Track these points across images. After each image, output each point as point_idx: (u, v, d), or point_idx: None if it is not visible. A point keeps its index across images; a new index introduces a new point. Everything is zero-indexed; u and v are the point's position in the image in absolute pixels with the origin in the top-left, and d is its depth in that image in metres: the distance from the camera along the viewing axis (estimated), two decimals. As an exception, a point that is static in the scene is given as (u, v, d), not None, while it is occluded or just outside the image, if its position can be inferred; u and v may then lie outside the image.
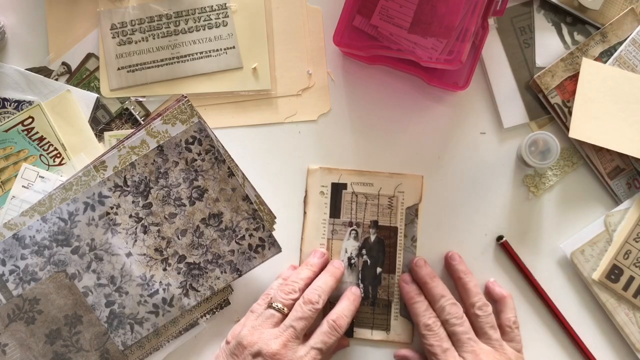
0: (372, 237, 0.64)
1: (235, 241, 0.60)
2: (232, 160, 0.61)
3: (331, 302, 0.62)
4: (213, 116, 0.66)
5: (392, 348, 0.64)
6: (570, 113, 0.64)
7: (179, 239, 0.60)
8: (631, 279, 0.62)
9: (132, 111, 0.66)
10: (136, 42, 0.66)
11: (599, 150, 0.64)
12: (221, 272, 0.60)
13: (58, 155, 0.64)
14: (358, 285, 0.64)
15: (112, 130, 0.66)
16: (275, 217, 0.62)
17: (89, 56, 0.66)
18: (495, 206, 0.65)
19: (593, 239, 0.63)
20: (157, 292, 0.59)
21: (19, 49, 0.67)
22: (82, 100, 0.65)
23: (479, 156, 0.66)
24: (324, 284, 0.59)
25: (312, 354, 0.55)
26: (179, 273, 0.59)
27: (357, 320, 0.64)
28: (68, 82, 0.66)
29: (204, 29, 0.66)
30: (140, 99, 0.66)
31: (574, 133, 0.63)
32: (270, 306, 0.57)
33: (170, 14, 0.66)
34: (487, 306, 0.60)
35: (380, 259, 0.64)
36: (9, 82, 0.65)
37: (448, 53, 0.61)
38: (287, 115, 0.66)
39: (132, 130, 0.64)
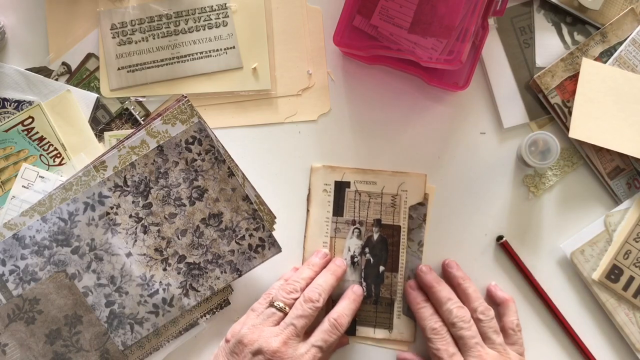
0: (375, 236, 0.64)
1: (235, 241, 0.60)
2: (232, 160, 0.61)
3: (333, 300, 0.62)
4: (213, 116, 0.66)
5: (395, 347, 0.64)
6: (570, 113, 0.64)
7: (179, 239, 0.59)
8: (631, 279, 0.62)
9: (132, 111, 0.66)
10: (136, 42, 0.66)
11: (599, 150, 0.64)
12: (221, 272, 0.60)
13: (58, 155, 0.64)
14: (361, 284, 0.64)
15: (112, 130, 0.66)
16: (275, 217, 0.62)
17: (89, 56, 0.66)
18: (495, 206, 0.65)
19: (593, 239, 0.63)
20: (157, 292, 0.59)
21: (19, 49, 0.67)
22: (82, 100, 0.65)
23: (479, 156, 0.66)
24: (325, 282, 0.59)
25: (312, 351, 0.55)
26: (179, 273, 0.59)
27: (359, 319, 0.64)
28: (68, 82, 0.66)
29: (204, 29, 0.66)
30: (140, 99, 0.66)
31: (574, 133, 0.63)
32: (271, 305, 0.57)
33: (170, 14, 0.66)
34: (489, 310, 0.60)
35: (383, 258, 0.64)
36: (9, 82, 0.65)
37: (448, 53, 0.61)
38: (287, 115, 0.66)
39: (132, 130, 0.64)
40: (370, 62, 0.64)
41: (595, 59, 0.64)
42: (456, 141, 0.66)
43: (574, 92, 0.64)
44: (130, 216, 0.59)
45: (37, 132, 0.64)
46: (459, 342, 0.58)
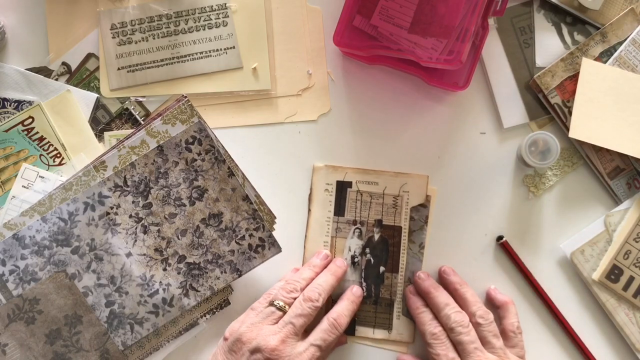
0: (376, 236, 0.64)
1: (235, 241, 0.60)
2: (232, 160, 0.61)
3: (333, 300, 0.62)
4: (213, 116, 0.66)
5: (394, 347, 0.64)
6: (570, 113, 0.64)
7: (179, 239, 0.59)
8: (631, 279, 0.62)
9: (132, 111, 0.66)
10: (136, 42, 0.66)
11: (599, 150, 0.64)
12: (221, 272, 0.60)
13: (58, 155, 0.64)
14: (361, 284, 0.64)
15: (112, 130, 0.66)
16: (275, 217, 0.62)
17: (89, 56, 0.66)
18: (495, 206, 0.65)
19: (593, 239, 0.63)
20: (157, 292, 0.59)
21: (19, 49, 0.67)
22: (82, 100, 0.65)
23: (479, 156, 0.66)
24: (325, 282, 0.59)
25: (311, 350, 0.55)
26: (179, 273, 0.59)
27: (359, 319, 0.64)
28: (68, 82, 0.66)
29: (204, 29, 0.66)
30: (140, 99, 0.66)
31: (574, 133, 0.63)
32: (271, 304, 0.57)
33: (170, 14, 0.66)
34: (488, 314, 0.59)
35: (384, 258, 0.64)
36: (9, 82, 0.65)
37: (448, 53, 0.61)
38: (287, 115, 0.66)
39: (132, 130, 0.64)
40: (370, 62, 0.64)
41: (595, 59, 0.64)
42: (456, 141, 0.66)
43: (574, 92, 0.64)
44: (130, 216, 0.59)
45: (37, 132, 0.64)
46: (458, 348, 0.58)
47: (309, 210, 0.65)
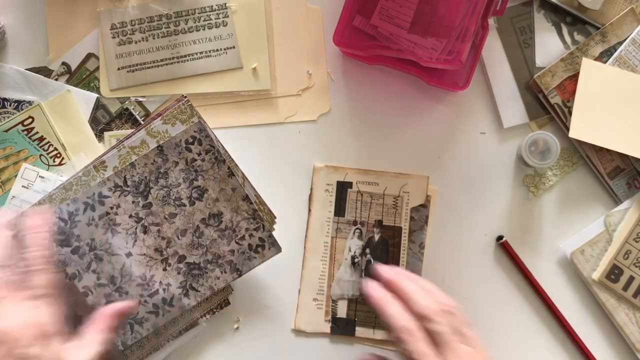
0: (376, 237, 0.64)
1: (235, 241, 0.60)
2: (232, 160, 0.61)
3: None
4: (213, 116, 0.66)
5: (394, 347, 0.64)
6: (570, 113, 0.64)
7: (179, 239, 0.59)
8: (631, 279, 0.62)
9: (132, 111, 0.66)
10: (136, 42, 0.66)
11: (599, 150, 0.64)
12: (221, 272, 0.60)
13: (58, 155, 0.64)
14: (361, 284, 0.64)
15: (112, 130, 0.66)
16: (275, 217, 0.62)
17: (89, 56, 0.66)
18: (495, 206, 0.65)
19: (593, 239, 0.63)
20: (157, 292, 0.59)
21: (19, 49, 0.67)
22: (82, 100, 0.65)
23: (479, 156, 0.66)
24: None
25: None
26: (179, 273, 0.59)
27: (359, 320, 0.64)
28: (68, 82, 0.66)
29: (204, 29, 0.66)
30: (140, 99, 0.66)
31: (574, 133, 0.63)
32: None
33: (170, 14, 0.66)
34: (453, 304, 0.51)
35: (384, 259, 0.64)
36: (9, 82, 0.65)
37: (448, 53, 0.61)
38: (287, 115, 0.66)
39: (132, 130, 0.64)
40: (370, 62, 0.64)
41: (595, 59, 0.64)
42: (456, 141, 0.66)
43: (574, 92, 0.64)
44: (130, 216, 0.59)
45: (37, 132, 0.64)
46: (434, 339, 0.50)
47: (309, 210, 0.65)
